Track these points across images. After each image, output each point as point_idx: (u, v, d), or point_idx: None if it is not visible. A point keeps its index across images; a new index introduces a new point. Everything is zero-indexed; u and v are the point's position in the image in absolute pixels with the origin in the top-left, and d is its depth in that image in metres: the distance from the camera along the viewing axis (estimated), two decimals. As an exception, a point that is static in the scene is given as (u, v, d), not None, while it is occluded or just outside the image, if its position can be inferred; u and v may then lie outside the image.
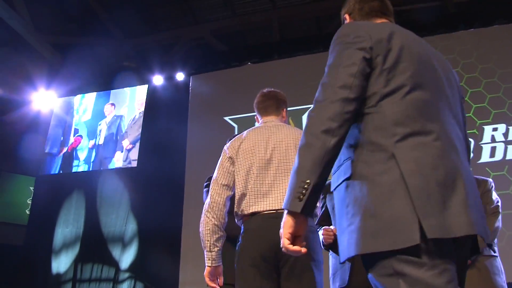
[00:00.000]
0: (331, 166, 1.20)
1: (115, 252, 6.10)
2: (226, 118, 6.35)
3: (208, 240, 2.00)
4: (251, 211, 1.96)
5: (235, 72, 6.59)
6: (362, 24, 1.38)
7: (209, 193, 2.05)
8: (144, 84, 6.92)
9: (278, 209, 1.91)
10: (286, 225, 1.19)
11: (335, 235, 2.22)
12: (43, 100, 7.20)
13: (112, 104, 7.13)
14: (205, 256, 2.03)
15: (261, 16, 6.46)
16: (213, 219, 2.00)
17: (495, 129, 5.30)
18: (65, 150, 7.07)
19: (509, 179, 5.05)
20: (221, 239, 2.03)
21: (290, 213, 1.19)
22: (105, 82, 6.98)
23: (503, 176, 5.10)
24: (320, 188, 1.18)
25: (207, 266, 2.03)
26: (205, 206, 2.07)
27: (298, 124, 6.09)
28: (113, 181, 6.47)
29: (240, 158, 2.07)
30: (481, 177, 2.77)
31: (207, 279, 2.04)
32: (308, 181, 1.16)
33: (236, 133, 6.19)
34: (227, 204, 2.06)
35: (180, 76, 6.76)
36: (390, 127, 1.20)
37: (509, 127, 5.24)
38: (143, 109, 6.90)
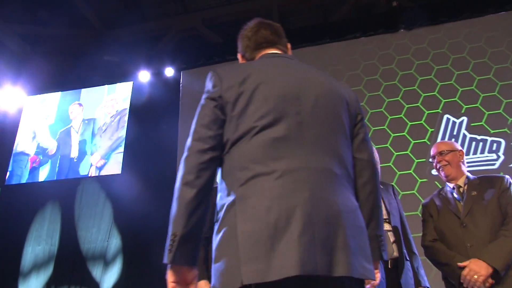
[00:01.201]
0: (199, 215, 1.27)
1: (96, 272, 5.48)
2: (221, 117, 5.70)
3: None
4: None
5: (230, 66, 5.96)
6: (221, 71, 1.43)
7: None
8: (128, 80, 6.30)
9: None
10: (168, 275, 1.28)
11: None
12: (10, 98, 6.46)
13: (80, 105, 6.46)
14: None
15: (259, 3, 6.00)
16: None
17: (530, 127, 4.71)
18: (35, 156, 6.34)
19: (551, 184, 4.42)
20: None
21: (168, 264, 1.27)
22: (82, 78, 6.33)
23: (541, 180, 4.48)
24: (192, 237, 1.26)
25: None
26: None
27: None
28: (94, 190, 5.84)
29: None
30: (494, 175, 2.57)
31: None
32: (174, 232, 1.25)
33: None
34: None
35: (169, 72, 6.21)
36: (235, 172, 1.28)
37: (548, 124, 4.65)
38: (122, 108, 6.26)
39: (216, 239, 1.25)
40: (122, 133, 6.12)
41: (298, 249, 1.14)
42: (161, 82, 6.22)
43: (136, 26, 6.13)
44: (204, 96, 1.40)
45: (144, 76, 6.23)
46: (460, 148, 2.62)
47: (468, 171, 2.60)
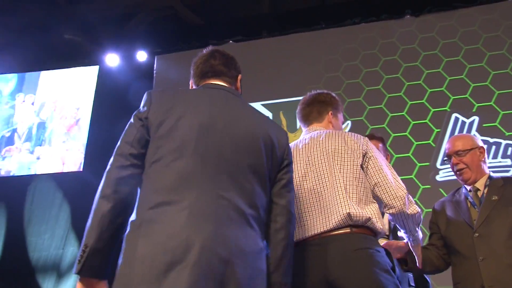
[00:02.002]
0: (113, 229, 1.31)
1: (47, 285, 4.95)
2: (200, 111, 5.13)
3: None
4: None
5: (212, 52, 5.41)
6: (154, 93, 1.53)
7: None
8: (93, 64, 5.78)
9: (322, 233, 1.72)
10: (76, 286, 1.32)
11: None
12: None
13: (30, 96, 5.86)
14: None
15: (247, -19, 5.47)
16: None
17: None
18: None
19: None
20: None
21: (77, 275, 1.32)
22: (39, 59, 5.73)
23: None
24: (103, 250, 1.30)
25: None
26: None
27: (291, 120, 4.91)
28: (49, 190, 5.33)
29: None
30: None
31: None
32: (86, 244, 1.29)
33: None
34: None
35: (141, 56, 5.67)
36: (148, 194, 1.36)
37: None
38: (85, 96, 5.71)
39: (120, 256, 1.31)
40: (85, 124, 5.60)
41: (189, 279, 1.20)
42: (131, 67, 5.70)
43: (104, 3, 5.50)
44: (134, 113, 1.49)
45: (112, 59, 5.69)
46: (480, 144, 2.31)
47: None
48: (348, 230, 1.66)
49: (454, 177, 2.36)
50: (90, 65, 5.75)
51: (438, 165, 4.33)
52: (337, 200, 1.71)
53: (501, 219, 2.03)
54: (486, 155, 2.31)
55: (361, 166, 1.80)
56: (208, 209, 1.30)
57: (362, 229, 1.68)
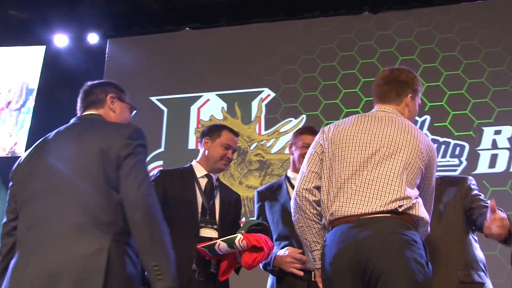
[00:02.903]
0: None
1: None
2: (153, 99, 5.05)
3: (306, 239, 1.83)
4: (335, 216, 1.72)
5: (168, 38, 5.27)
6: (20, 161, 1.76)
7: (296, 182, 1.87)
8: (39, 44, 5.37)
9: (360, 214, 1.65)
10: None
11: None
12: None
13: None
14: (310, 257, 1.88)
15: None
16: (302, 213, 1.81)
17: (497, 132, 4.26)
18: None
19: (515, 197, 4.04)
20: (320, 232, 1.81)
21: None
22: None
23: (506, 192, 4.08)
24: None
25: (315, 268, 1.86)
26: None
27: (246, 112, 4.81)
28: None
29: (331, 147, 1.82)
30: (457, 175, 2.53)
31: (319, 283, 1.85)
32: None
33: (165, 118, 4.86)
34: (317, 194, 1.82)
35: (92, 38, 5.36)
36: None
37: (518, 130, 4.23)
38: (29, 78, 5.36)
39: None
40: (28, 109, 5.24)
41: None
42: (81, 49, 5.35)
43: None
44: None
45: (61, 40, 5.32)
46: None
47: None
48: (388, 215, 1.61)
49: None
50: (36, 45, 5.38)
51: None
52: (389, 188, 1.64)
53: (434, 221, 1.94)
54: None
55: (422, 173, 1.75)
56: (38, 235, 1.54)
57: (403, 215, 1.62)
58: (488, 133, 4.26)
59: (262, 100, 4.83)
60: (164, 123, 4.89)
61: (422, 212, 1.66)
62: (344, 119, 1.90)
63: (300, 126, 4.56)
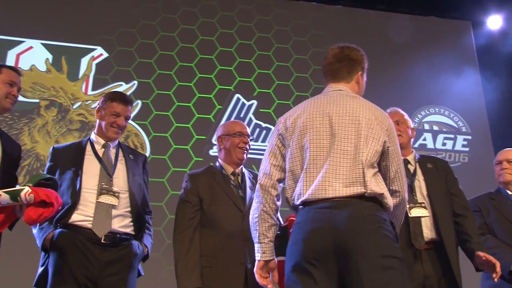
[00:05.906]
0: None
1: None
2: None
3: (256, 230, 1.84)
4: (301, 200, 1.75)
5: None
6: None
7: (259, 175, 1.89)
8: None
9: (333, 198, 1.67)
10: None
11: None
12: None
13: None
14: (255, 248, 1.86)
15: None
16: (261, 205, 1.83)
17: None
18: None
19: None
20: (272, 228, 1.84)
21: None
22: None
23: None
24: None
25: (257, 259, 1.85)
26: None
27: (73, 68, 4.46)
28: None
29: (292, 136, 1.84)
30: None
31: (257, 276, 1.85)
32: None
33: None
34: (278, 188, 1.88)
35: None
36: None
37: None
38: None
39: None
40: None
41: None
42: None
43: None
44: None
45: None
46: None
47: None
48: (360, 199, 1.65)
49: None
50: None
51: (213, 140, 4.38)
52: (357, 170, 1.67)
53: None
54: None
55: (383, 145, 1.74)
56: None
57: (373, 200, 1.66)
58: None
59: (94, 58, 4.50)
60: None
61: (382, 188, 1.72)
62: (299, 105, 1.92)
63: (130, 92, 4.39)
